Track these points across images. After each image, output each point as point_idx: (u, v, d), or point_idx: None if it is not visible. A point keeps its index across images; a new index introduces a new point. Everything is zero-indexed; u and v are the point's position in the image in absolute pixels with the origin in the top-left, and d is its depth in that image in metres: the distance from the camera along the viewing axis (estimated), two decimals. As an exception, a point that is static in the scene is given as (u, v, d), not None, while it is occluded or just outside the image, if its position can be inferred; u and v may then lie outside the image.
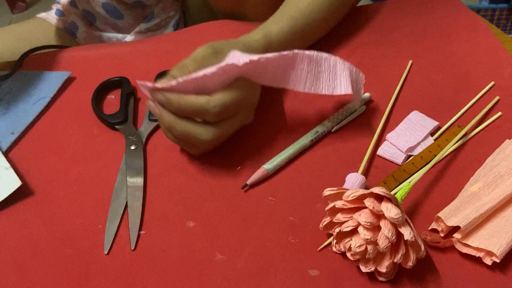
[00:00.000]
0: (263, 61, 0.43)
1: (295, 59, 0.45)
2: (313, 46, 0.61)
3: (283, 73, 0.46)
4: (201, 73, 0.42)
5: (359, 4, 0.68)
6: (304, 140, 0.49)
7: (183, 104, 0.43)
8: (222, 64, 0.42)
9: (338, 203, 0.38)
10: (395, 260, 0.37)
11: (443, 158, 0.48)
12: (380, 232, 0.36)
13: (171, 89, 0.43)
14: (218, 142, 0.47)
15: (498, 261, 0.38)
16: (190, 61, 0.46)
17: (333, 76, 0.47)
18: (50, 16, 0.82)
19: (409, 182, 0.42)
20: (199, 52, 0.47)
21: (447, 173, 0.46)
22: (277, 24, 0.53)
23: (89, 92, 0.59)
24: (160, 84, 0.44)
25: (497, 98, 0.53)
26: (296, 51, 0.45)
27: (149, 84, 0.44)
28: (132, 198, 0.46)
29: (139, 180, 0.47)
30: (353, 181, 0.44)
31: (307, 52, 0.45)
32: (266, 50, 0.51)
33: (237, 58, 0.42)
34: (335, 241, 0.40)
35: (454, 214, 0.41)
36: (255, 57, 0.42)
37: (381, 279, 0.39)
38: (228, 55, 0.45)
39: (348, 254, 0.39)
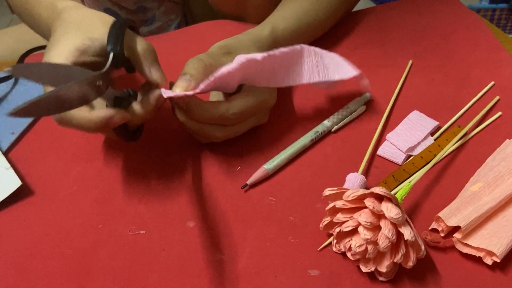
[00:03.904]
0: (278, 55, 0.44)
1: (303, 52, 0.47)
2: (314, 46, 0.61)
3: (295, 68, 0.48)
4: (224, 70, 0.41)
5: (360, 7, 0.68)
6: (304, 140, 0.49)
7: (204, 114, 0.44)
8: (242, 59, 0.42)
9: (338, 203, 0.38)
10: (395, 260, 0.37)
11: (443, 158, 0.48)
12: (380, 232, 0.36)
13: (193, 94, 0.43)
14: (230, 138, 0.48)
15: (498, 261, 0.38)
16: (205, 56, 0.46)
17: (338, 65, 0.50)
18: None
19: (409, 182, 0.41)
20: (213, 50, 0.47)
21: (447, 173, 0.46)
22: (283, 21, 0.55)
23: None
24: (180, 90, 0.42)
25: (497, 98, 0.53)
26: (303, 45, 0.47)
27: (171, 93, 0.42)
28: None
29: None
30: (353, 181, 0.44)
31: (311, 46, 0.48)
32: (273, 47, 0.52)
33: (255, 54, 0.43)
34: (335, 241, 0.40)
35: (454, 214, 0.41)
36: (271, 52, 0.44)
37: (381, 279, 0.39)
38: (238, 57, 0.45)
39: (348, 254, 0.39)
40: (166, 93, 0.42)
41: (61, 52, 0.41)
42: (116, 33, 0.41)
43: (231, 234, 0.43)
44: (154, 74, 0.43)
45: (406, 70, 0.57)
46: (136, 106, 0.42)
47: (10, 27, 0.82)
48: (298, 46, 0.46)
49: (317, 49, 0.48)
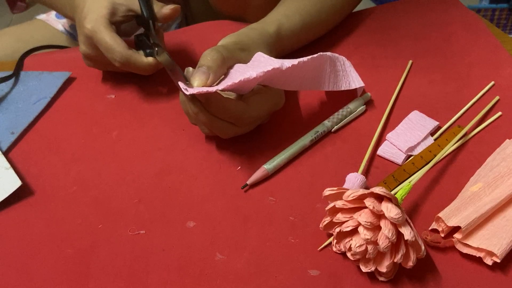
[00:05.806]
0: (301, 65, 0.45)
1: (321, 60, 0.48)
2: (314, 46, 0.61)
3: (311, 75, 0.48)
4: (250, 75, 0.41)
5: (360, 8, 0.69)
6: (304, 140, 0.49)
7: (222, 110, 0.44)
8: (269, 68, 0.42)
9: (338, 203, 0.38)
10: (395, 260, 0.37)
11: (443, 158, 0.48)
12: (380, 232, 0.36)
13: (211, 89, 0.42)
14: (235, 135, 0.49)
15: (498, 261, 0.38)
16: (223, 48, 0.45)
17: (346, 73, 0.52)
18: (50, 18, 0.82)
19: (409, 182, 0.41)
20: (228, 43, 0.47)
21: (447, 173, 0.46)
22: (287, 20, 0.55)
23: (89, 92, 0.59)
24: (198, 82, 0.43)
25: (497, 98, 0.53)
26: (321, 53, 0.47)
27: (194, 90, 0.42)
28: None
29: None
30: (353, 181, 0.44)
31: (328, 53, 0.48)
32: (277, 44, 0.53)
33: (280, 62, 0.43)
34: (335, 241, 0.40)
35: (454, 214, 0.41)
36: (295, 61, 0.44)
37: (381, 279, 0.39)
38: (257, 57, 0.46)
39: (349, 254, 0.39)
40: (190, 90, 0.42)
41: (98, 16, 0.51)
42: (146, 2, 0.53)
43: (231, 234, 0.43)
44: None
45: (406, 70, 0.57)
46: (150, 59, 0.53)
47: (10, 27, 0.82)
48: (317, 55, 0.47)
49: (333, 57, 0.49)
